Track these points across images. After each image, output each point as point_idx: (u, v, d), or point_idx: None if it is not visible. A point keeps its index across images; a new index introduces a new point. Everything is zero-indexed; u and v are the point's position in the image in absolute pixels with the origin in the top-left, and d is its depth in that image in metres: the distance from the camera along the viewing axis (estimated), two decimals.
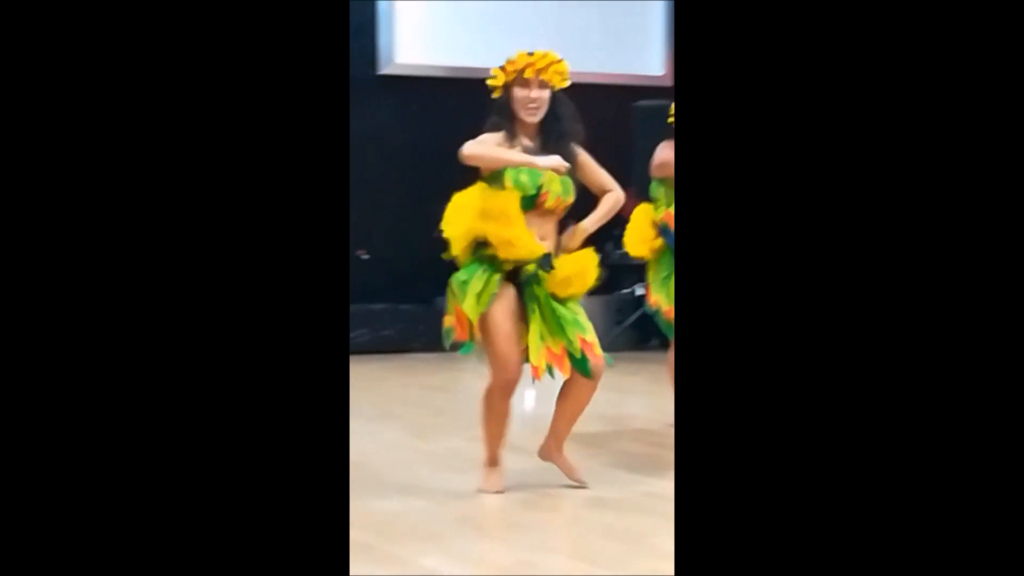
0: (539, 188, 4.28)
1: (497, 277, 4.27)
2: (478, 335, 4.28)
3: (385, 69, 9.77)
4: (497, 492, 4.43)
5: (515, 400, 7.84)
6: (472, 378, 7.96)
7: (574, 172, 4.38)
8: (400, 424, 6.14)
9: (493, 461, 4.51)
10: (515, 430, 6.20)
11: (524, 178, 4.27)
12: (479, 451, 4.60)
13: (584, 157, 4.44)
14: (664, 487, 4.43)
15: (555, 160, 4.22)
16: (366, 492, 4.42)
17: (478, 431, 4.57)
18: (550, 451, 4.62)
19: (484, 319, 4.26)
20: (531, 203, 4.29)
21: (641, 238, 5.68)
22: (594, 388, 4.44)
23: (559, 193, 4.32)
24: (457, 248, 4.33)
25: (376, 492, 4.48)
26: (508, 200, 4.26)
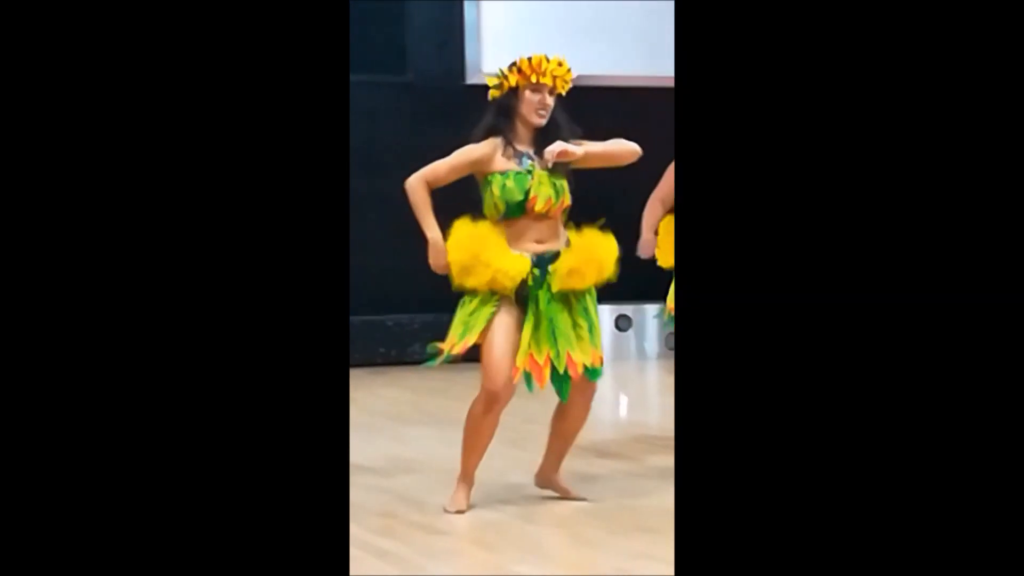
0: (527, 192, 4.22)
1: (489, 307, 4.21)
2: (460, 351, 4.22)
3: (472, 79, 9.82)
4: (459, 512, 4.28)
5: (610, 406, 7.81)
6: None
7: (568, 172, 4.30)
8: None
9: (467, 477, 4.35)
10: (608, 436, 6.22)
11: (511, 183, 4.22)
12: (568, 460, 4.58)
13: (588, 149, 4.30)
14: None
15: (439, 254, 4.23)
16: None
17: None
18: (546, 476, 4.48)
19: (484, 334, 4.21)
20: (521, 208, 4.24)
21: (671, 248, 5.69)
22: (587, 408, 4.36)
23: (550, 195, 4.24)
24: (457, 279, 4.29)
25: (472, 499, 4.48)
26: (480, 233, 4.24)
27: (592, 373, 4.25)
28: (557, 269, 4.23)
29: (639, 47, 10.18)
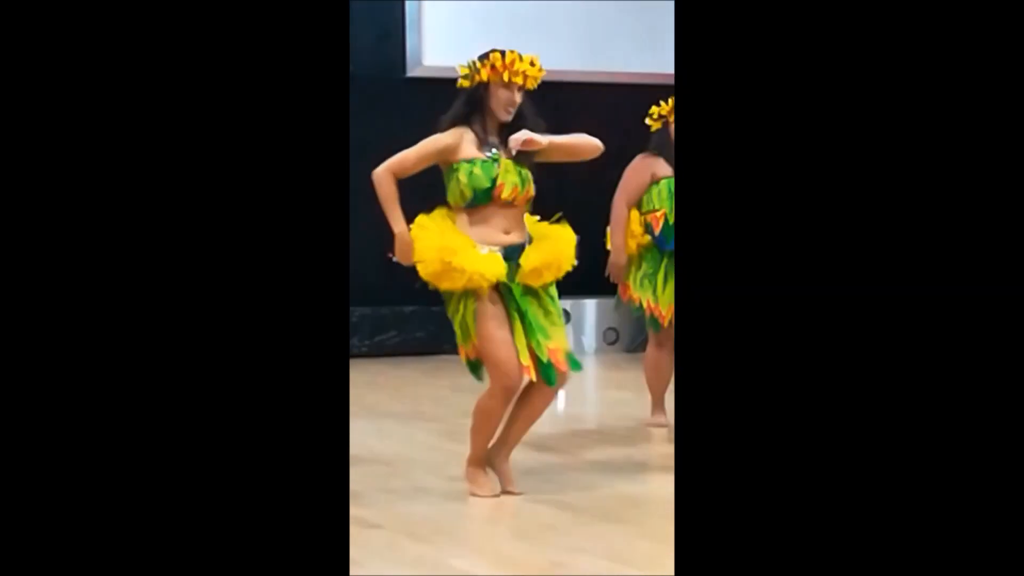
0: (494, 180, 4.27)
1: (471, 302, 4.25)
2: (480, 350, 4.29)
3: (413, 72, 9.79)
4: (494, 495, 4.37)
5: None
6: None
7: (532, 162, 4.36)
8: (432, 426, 6.14)
9: (482, 462, 4.45)
10: (544, 431, 6.23)
11: (478, 171, 4.27)
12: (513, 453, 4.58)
13: (552, 139, 4.37)
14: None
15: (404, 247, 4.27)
16: (398, 493, 4.42)
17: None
18: (496, 456, 4.50)
19: (478, 325, 4.25)
20: (487, 196, 4.28)
21: (629, 235, 5.75)
22: (552, 397, 4.41)
23: (516, 183, 4.30)
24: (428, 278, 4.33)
25: (408, 494, 4.48)
26: (446, 237, 4.27)
27: (573, 362, 4.34)
28: (522, 266, 4.29)
29: (579, 43, 10.20)
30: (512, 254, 4.29)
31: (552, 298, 4.38)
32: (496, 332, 4.24)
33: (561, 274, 4.40)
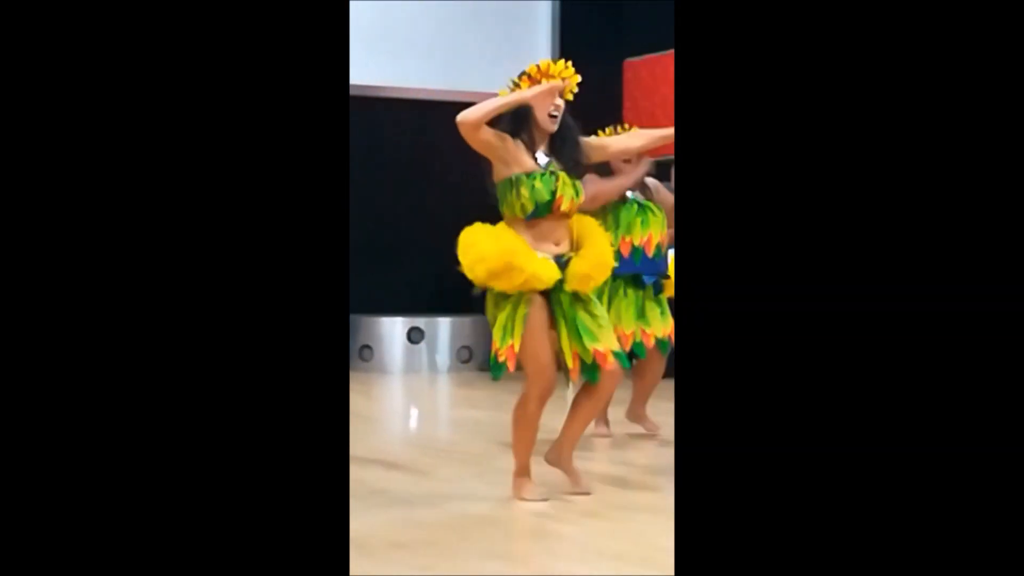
0: (554, 193, 4.41)
1: (522, 308, 4.42)
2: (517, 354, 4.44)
3: None
4: (543, 500, 4.53)
5: (400, 418, 7.79)
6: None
7: (583, 173, 4.58)
8: None
9: (527, 470, 4.62)
10: (395, 449, 6.22)
11: (539, 184, 4.40)
12: (355, 471, 4.56)
13: (593, 141, 4.69)
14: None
15: (544, 86, 4.42)
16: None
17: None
18: (561, 459, 4.73)
19: (524, 334, 4.39)
20: (548, 208, 4.43)
21: None
22: (603, 395, 4.59)
23: (572, 196, 4.47)
24: (480, 283, 4.48)
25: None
26: (507, 239, 4.42)
27: (620, 357, 4.52)
28: (573, 273, 4.45)
29: (432, 60, 10.25)
30: (562, 263, 4.45)
31: (596, 302, 4.57)
32: (540, 338, 4.42)
33: (608, 275, 4.64)
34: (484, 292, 4.47)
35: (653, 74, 10.29)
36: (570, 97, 4.53)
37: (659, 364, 6.25)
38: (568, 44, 10.63)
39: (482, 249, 4.40)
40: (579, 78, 4.54)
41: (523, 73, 4.50)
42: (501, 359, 4.43)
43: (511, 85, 4.53)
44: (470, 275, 4.46)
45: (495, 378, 4.52)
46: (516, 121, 4.46)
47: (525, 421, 4.55)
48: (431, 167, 9.95)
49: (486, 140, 4.38)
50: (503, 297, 4.43)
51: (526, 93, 4.39)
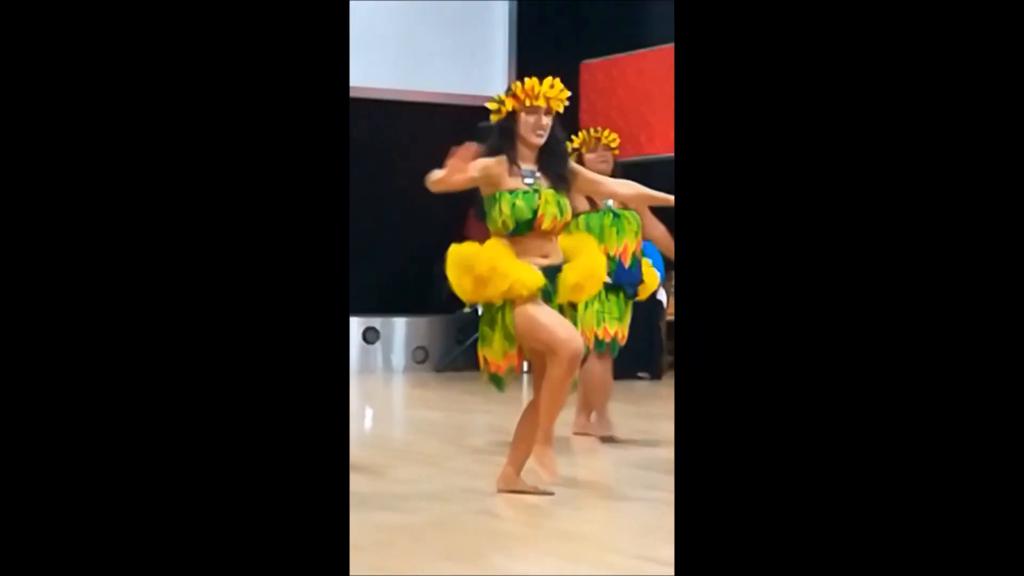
0: (535, 211, 4.44)
1: (509, 310, 4.44)
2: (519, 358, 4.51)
3: None
4: (556, 479, 4.62)
5: (356, 419, 7.76)
6: None
7: (570, 190, 4.60)
8: None
9: (552, 441, 4.64)
10: (352, 449, 6.20)
11: (520, 202, 4.44)
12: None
13: (580, 171, 4.72)
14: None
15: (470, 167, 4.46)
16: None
17: None
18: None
19: (522, 319, 4.40)
20: (529, 226, 4.46)
21: None
22: (558, 382, 4.51)
23: (555, 213, 4.49)
24: (468, 297, 4.53)
25: None
26: (492, 248, 4.46)
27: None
28: (563, 283, 4.50)
29: (391, 59, 10.24)
30: (549, 274, 4.47)
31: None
32: (543, 313, 4.42)
33: (601, 285, 4.73)
34: (473, 310, 4.50)
35: (610, 76, 10.42)
36: (560, 109, 4.54)
37: (604, 367, 6.24)
38: (525, 46, 10.75)
39: (466, 259, 4.45)
40: (568, 93, 4.56)
41: (508, 90, 4.53)
42: (503, 372, 4.49)
43: (496, 101, 4.55)
44: (458, 291, 4.51)
45: (500, 390, 4.59)
46: (502, 136, 4.53)
47: (558, 389, 4.50)
48: (388, 168, 9.95)
49: (461, 184, 4.44)
50: (490, 310, 4.46)
51: (472, 173, 4.41)
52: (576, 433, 6.23)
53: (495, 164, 4.49)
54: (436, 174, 4.41)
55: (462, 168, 4.36)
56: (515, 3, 10.92)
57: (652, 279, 6.22)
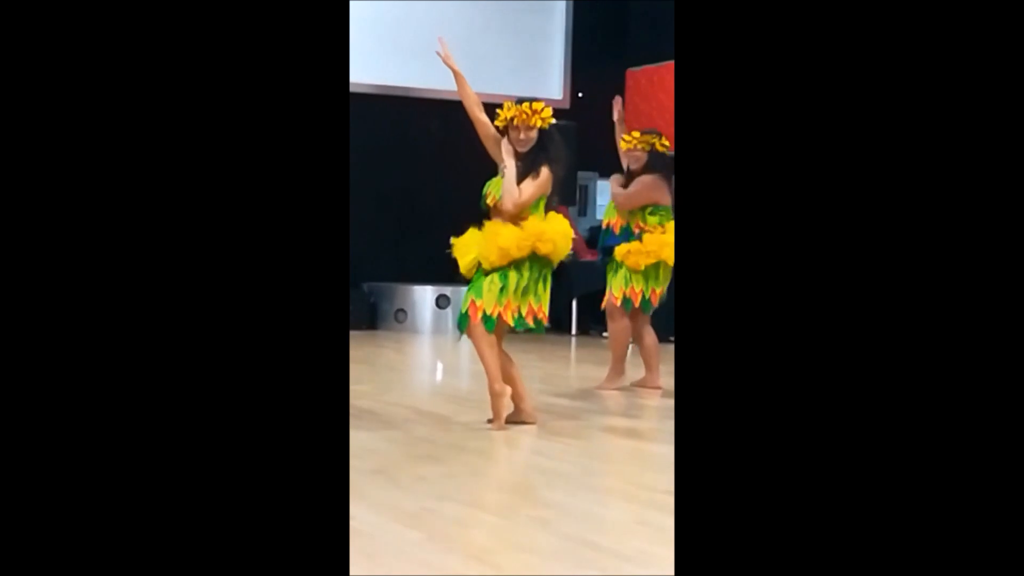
0: (485, 196, 5.39)
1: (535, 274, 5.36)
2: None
3: None
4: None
5: (429, 372, 8.60)
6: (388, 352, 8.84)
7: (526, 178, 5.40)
8: None
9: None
10: (425, 397, 6.98)
11: (484, 191, 5.45)
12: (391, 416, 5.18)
13: (535, 176, 5.35)
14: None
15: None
16: None
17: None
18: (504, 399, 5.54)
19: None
20: (486, 208, 5.42)
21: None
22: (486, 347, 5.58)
23: (494, 193, 5.33)
24: (465, 268, 5.43)
25: None
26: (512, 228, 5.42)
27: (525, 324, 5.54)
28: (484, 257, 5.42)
29: (463, 64, 11.24)
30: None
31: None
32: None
33: (503, 256, 5.37)
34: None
35: (652, 82, 10.87)
36: (545, 126, 5.28)
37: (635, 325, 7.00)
38: (580, 55, 11.37)
39: (510, 235, 5.31)
40: (551, 110, 5.30)
41: (498, 108, 5.30)
42: (543, 318, 5.38)
43: (498, 114, 5.34)
44: (487, 264, 5.29)
45: (461, 332, 5.35)
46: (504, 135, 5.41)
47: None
48: (454, 158, 10.62)
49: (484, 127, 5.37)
50: (521, 261, 5.29)
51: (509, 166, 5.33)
52: (600, 388, 6.92)
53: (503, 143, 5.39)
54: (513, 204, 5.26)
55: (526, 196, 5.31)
56: (571, 18, 11.41)
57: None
